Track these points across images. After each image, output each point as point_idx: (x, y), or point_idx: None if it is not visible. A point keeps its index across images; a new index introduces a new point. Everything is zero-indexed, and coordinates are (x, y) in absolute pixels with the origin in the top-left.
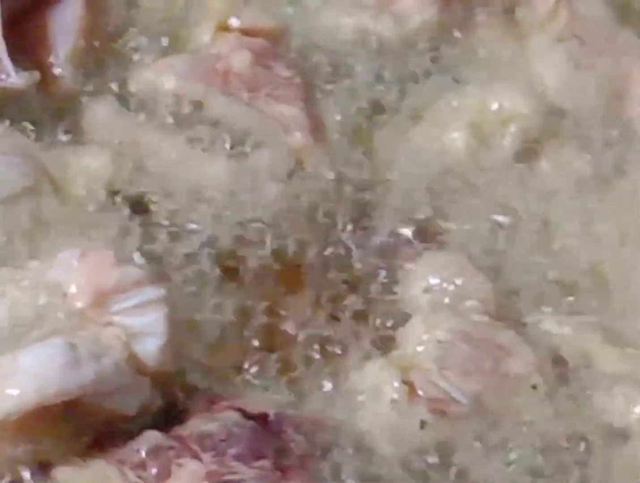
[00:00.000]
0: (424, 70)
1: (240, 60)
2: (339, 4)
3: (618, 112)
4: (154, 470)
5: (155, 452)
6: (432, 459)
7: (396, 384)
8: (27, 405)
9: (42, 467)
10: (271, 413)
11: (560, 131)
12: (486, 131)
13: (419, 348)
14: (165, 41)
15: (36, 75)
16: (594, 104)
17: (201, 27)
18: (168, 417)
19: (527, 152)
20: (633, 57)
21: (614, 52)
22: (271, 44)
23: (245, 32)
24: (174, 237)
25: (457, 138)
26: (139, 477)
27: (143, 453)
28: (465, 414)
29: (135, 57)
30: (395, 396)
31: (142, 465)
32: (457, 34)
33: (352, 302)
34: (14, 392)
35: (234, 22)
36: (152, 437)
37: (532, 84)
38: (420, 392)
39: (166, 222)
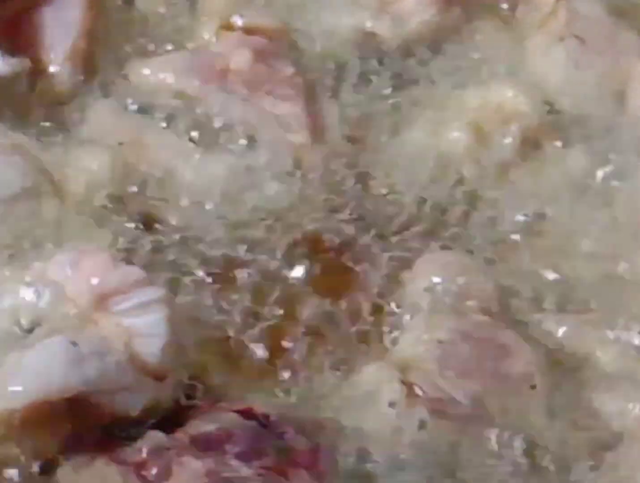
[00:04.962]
0: (424, 70)
1: (240, 58)
2: (339, 4)
3: (618, 111)
4: (155, 470)
5: (156, 452)
6: (432, 459)
7: (396, 385)
8: (30, 401)
9: (45, 466)
10: (273, 414)
11: (560, 130)
12: (487, 130)
13: (419, 348)
14: (167, 40)
15: (25, 62)
16: (594, 103)
17: (204, 25)
18: (170, 417)
19: (528, 151)
20: (632, 57)
21: (614, 51)
22: (273, 43)
23: (248, 31)
24: (174, 235)
25: (457, 137)
26: (141, 476)
27: (145, 453)
28: (465, 414)
29: (136, 56)
30: (395, 397)
31: (143, 465)
32: (457, 33)
33: (352, 301)
34: (18, 388)
35: (237, 20)
36: (153, 437)
37: (532, 83)
38: (420, 393)
39: (166, 221)
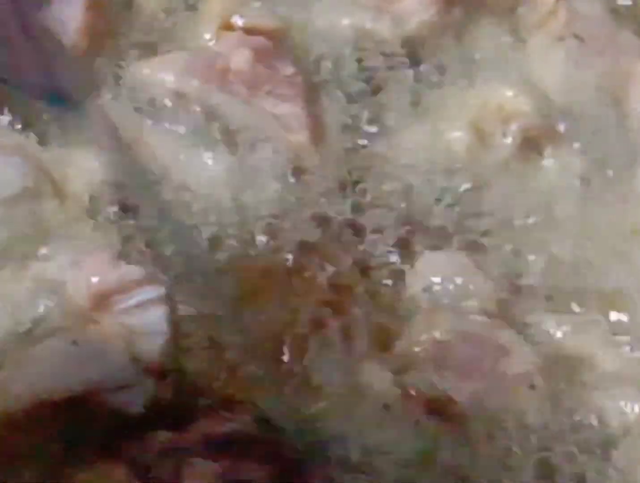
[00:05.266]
0: (424, 70)
1: (240, 58)
2: (340, 4)
3: (617, 111)
4: (164, 471)
5: (166, 452)
6: (429, 460)
7: (393, 385)
8: (33, 402)
9: (49, 467)
10: (275, 415)
11: (560, 130)
12: (487, 130)
13: (418, 348)
14: (167, 40)
15: None
16: (594, 103)
17: (204, 25)
18: (179, 418)
19: (528, 151)
20: (632, 57)
21: (614, 51)
22: (273, 43)
23: (249, 31)
24: (174, 236)
25: (458, 137)
26: (149, 477)
27: (153, 454)
28: (463, 415)
29: (136, 55)
30: (392, 396)
31: (152, 466)
32: (457, 33)
33: (352, 301)
34: (20, 388)
35: (237, 20)
36: (163, 437)
37: (532, 83)
38: (417, 393)
39: (166, 221)
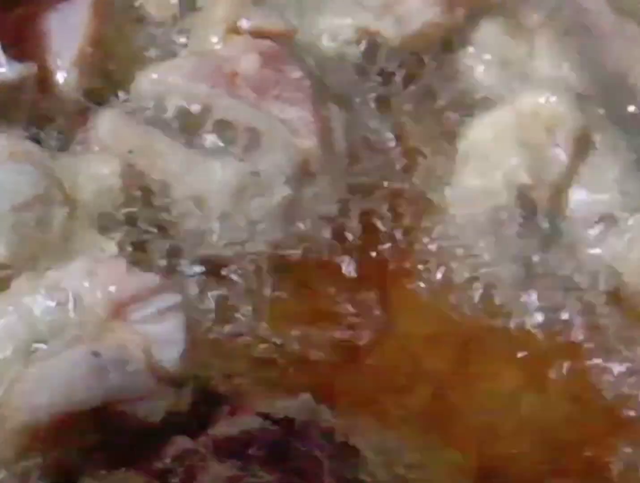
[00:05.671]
0: (428, 72)
1: (248, 62)
2: (342, 6)
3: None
4: (179, 475)
5: (181, 457)
6: None
7: None
8: (54, 413)
9: (70, 476)
10: (297, 418)
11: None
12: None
13: None
14: (174, 45)
15: (32, 67)
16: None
17: (211, 29)
18: (193, 423)
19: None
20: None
21: (622, 41)
22: (280, 46)
23: (255, 34)
24: (185, 241)
25: None
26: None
27: (169, 459)
28: None
29: (143, 61)
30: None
31: (168, 472)
32: (461, 34)
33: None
34: (42, 400)
35: (244, 23)
36: (178, 442)
37: (557, 84)
38: None
39: (176, 227)
